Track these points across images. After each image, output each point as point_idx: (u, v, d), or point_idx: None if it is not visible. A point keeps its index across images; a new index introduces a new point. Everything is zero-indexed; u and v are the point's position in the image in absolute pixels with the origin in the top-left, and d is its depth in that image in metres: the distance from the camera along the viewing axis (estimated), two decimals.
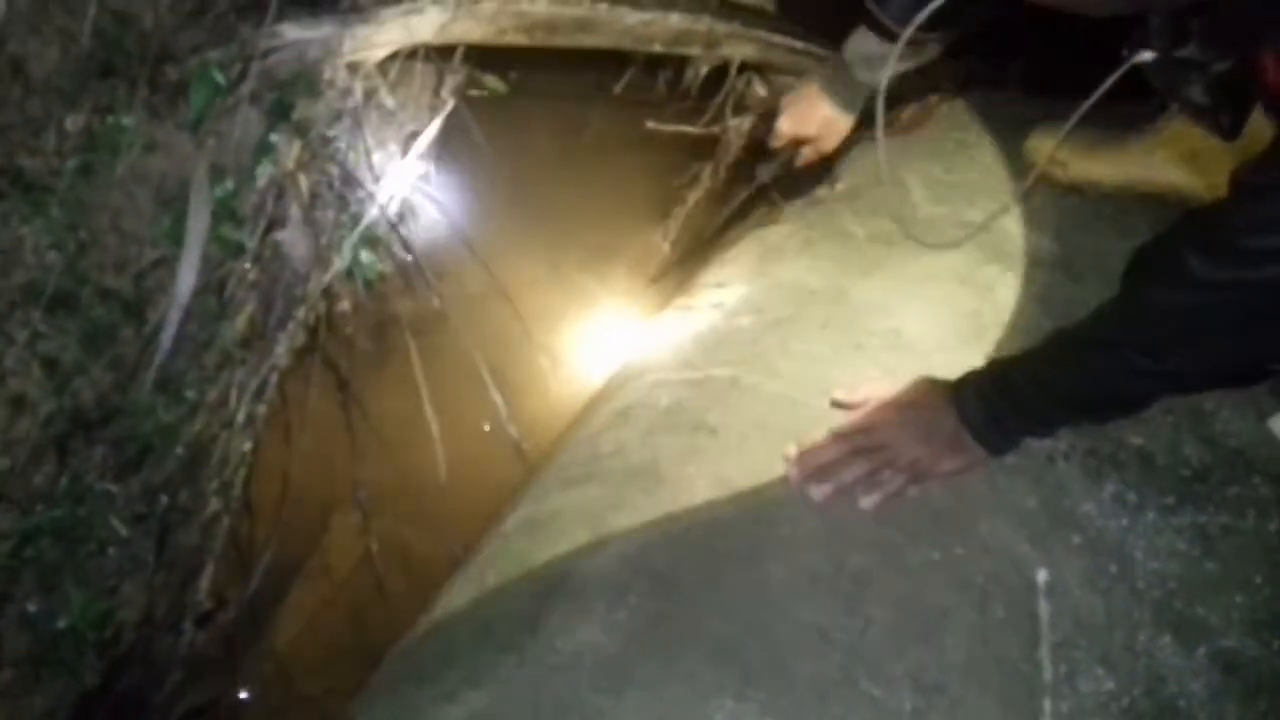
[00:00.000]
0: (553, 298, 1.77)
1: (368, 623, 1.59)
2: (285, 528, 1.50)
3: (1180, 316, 0.99)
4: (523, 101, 1.86)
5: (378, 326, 1.62)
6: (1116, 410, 1.14)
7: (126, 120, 1.11)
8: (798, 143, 1.61)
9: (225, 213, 1.22)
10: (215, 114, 1.21)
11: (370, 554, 1.54)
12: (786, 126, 1.59)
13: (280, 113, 1.27)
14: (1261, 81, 0.99)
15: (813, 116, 1.55)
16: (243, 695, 1.48)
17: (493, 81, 1.73)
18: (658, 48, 1.66)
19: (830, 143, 1.59)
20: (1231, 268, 0.94)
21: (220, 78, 1.16)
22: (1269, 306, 0.94)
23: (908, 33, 1.13)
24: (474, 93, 1.72)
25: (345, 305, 1.56)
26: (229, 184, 1.22)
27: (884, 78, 1.33)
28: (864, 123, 1.42)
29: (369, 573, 1.57)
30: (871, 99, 1.45)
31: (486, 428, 1.56)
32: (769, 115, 1.65)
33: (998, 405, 1.10)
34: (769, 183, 1.73)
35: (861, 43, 1.48)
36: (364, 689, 1.28)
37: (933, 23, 1.09)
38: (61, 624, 1.14)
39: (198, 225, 1.16)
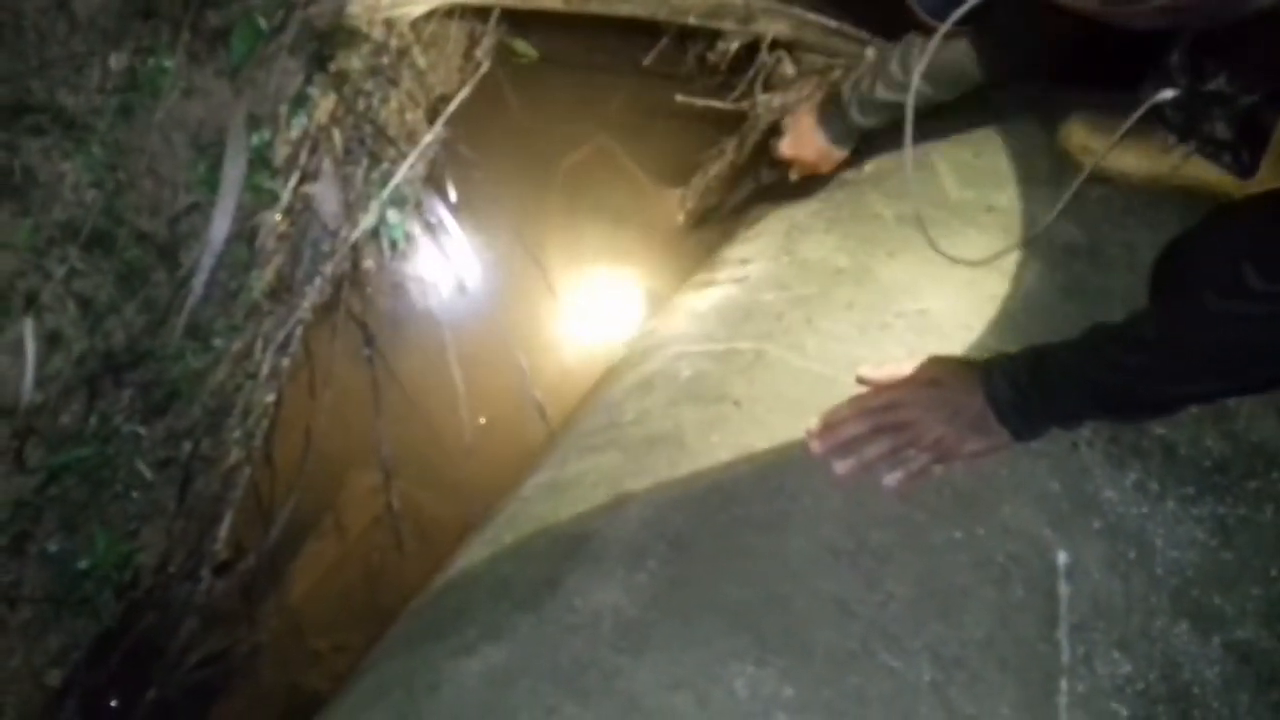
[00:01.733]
0: (577, 264, 1.77)
1: (379, 583, 1.60)
2: (305, 483, 1.51)
3: (1232, 326, 0.98)
4: (552, 70, 1.85)
5: (403, 286, 1.62)
6: (1148, 412, 1.15)
7: (168, 62, 1.11)
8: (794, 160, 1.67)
9: (260, 161, 1.22)
10: (254, 62, 1.20)
11: (385, 513, 1.54)
12: (786, 149, 1.66)
13: (318, 64, 1.27)
14: None
15: (810, 145, 1.62)
16: (254, 646, 1.49)
17: (523, 46, 1.72)
18: (692, 20, 1.65)
19: (826, 168, 1.65)
20: None
21: (263, 25, 1.15)
22: None
23: (946, 26, 1.12)
24: (505, 58, 1.72)
25: (370, 264, 1.56)
26: (265, 133, 1.22)
27: (917, 73, 1.35)
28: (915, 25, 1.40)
29: (383, 532, 1.57)
30: (868, 133, 1.57)
31: (511, 391, 1.56)
32: (775, 128, 1.71)
33: (1028, 391, 1.10)
34: (770, 186, 1.79)
35: (858, 84, 1.53)
36: (379, 641, 1.29)
37: (966, 18, 1.07)
38: (83, 564, 1.15)
39: (234, 172, 1.16)
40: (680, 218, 1.90)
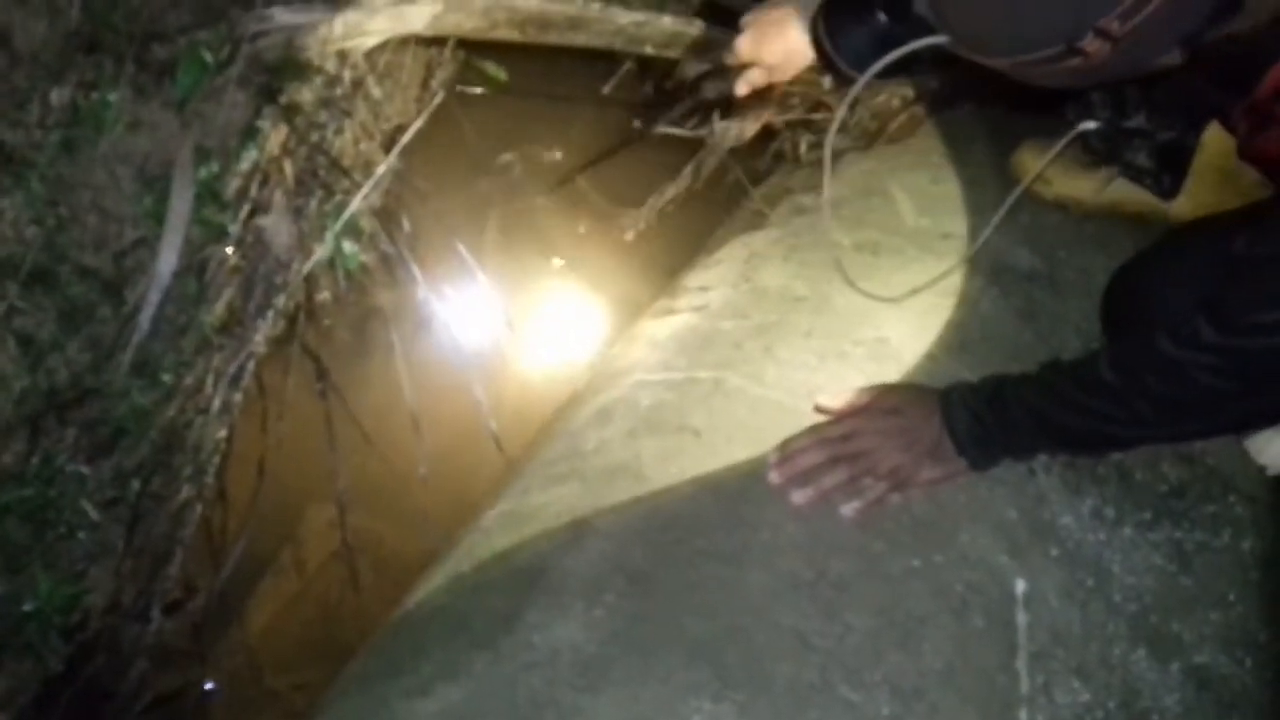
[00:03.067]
0: (536, 293, 1.76)
1: (339, 618, 1.57)
2: (259, 518, 1.48)
3: (1190, 374, 0.97)
4: (510, 99, 1.85)
5: (358, 318, 1.61)
6: (1107, 450, 1.16)
7: (111, 96, 1.09)
8: (752, 64, 1.46)
9: (209, 195, 1.20)
10: (202, 95, 1.19)
11: (344, 548, 1.52)
12: (746, 46, 1.42)
13: (268, 96, 1.25)
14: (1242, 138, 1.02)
15: (777, 41, 1.38)
16: (209, 686, 1.46)
17: (493, 69, 1.71)
18: (649, 49, 1.66)
19: (787, 73, 1.43)
20: (1236, 336, 0.94)
21: (209, 58, 1.14)
22: (1269, 373, 0.94)
23: (865, 78, 1.07)
24: (468, 89, 1.71)
25: (326, 295, 1.54)
26: (214, 166, 1.20)
27: (831, 132, 1.30)
28: (833, 74, 1.29)
29: (342, 567, 1.55)
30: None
31: (467, 423, 1.55)
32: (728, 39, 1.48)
33: (987, 422, 1.11)
34: (712, 99, 1.60)
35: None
36: (335, 680, 1.27)
37: (889, 70, 1.05)
38: (28, 607, 1.12)
39: (181, 206, 1.14)
40: (629, 237, 1.88)
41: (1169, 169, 1.17)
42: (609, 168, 1.88)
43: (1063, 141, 1.18)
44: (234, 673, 1.50)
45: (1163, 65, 0.90)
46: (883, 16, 1.06)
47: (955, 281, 1.41)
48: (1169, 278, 1.09)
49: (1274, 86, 0.93)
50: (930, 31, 0.96)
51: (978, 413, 1.11)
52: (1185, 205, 1.27)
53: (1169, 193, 1.20)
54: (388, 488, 1.58)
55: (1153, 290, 1.19)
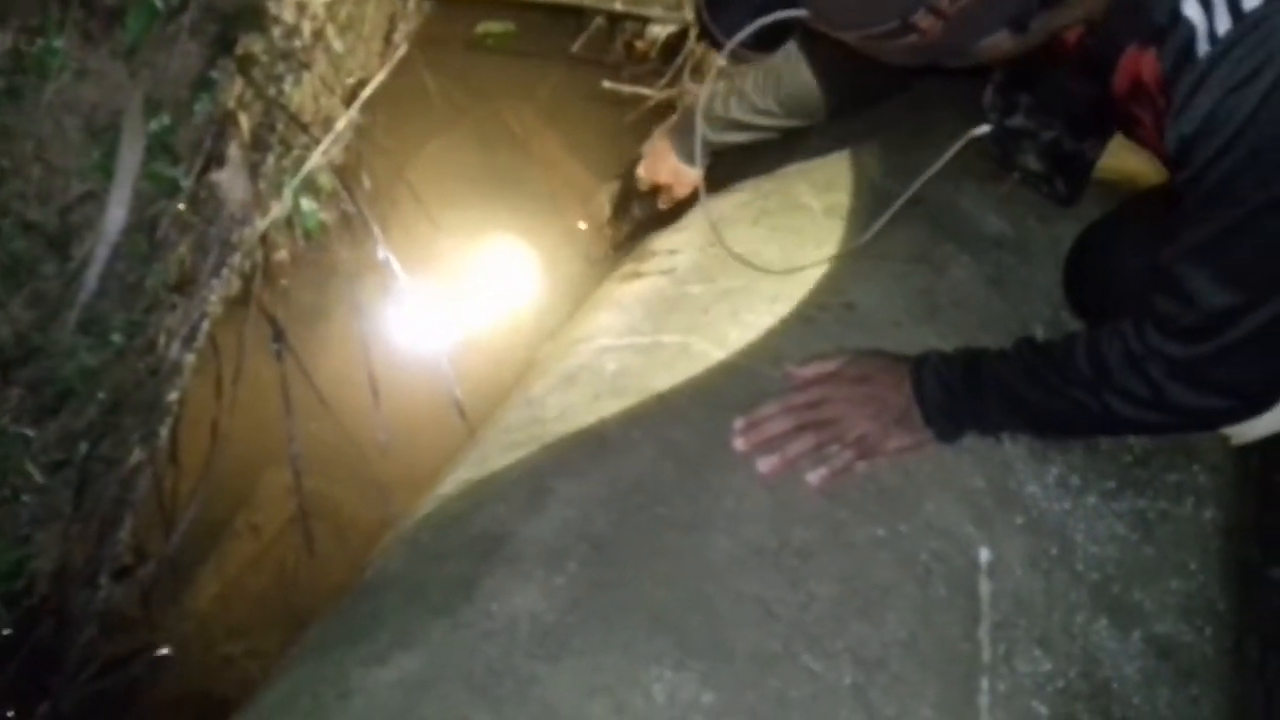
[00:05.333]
0: (500, 255, 1.73)
1: (294, 584, 1.54)
2: (214, 482, 1.45)
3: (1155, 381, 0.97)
4: (477, 55, 1.81)
5: (318, 278, 1.57)
6: (1075, 436, 1.15)
7: (57, 43, 1.05)
8: (657, 188, 1.65)
9: (160, 148, 1.16)
10: (153, 44, 1.14)
11: (299, 514, 1.49)
12: (643, 172, 1.64)
13: (222, 46, 1.21)
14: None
15: (663, 166, 1.60)
16: (161, 652, 1.43)
17: (498, 26, 1.68)
18: (619, 6, 1.62)
19: (681, 190, 1.62)
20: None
21: (159, 3, 1.09)
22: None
23: (733, 42, 1.09)
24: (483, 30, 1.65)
25: (284, 254, 1.50)
26: (165, 118, 1.16)
27: (701, 101, 1.41)
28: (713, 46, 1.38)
29: (298, 532, 1.52)
30: (716, 152, 1.55)
31: (428, 387, 1.52)
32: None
33: (958, 394, 1.10)
34: (642, 221, 1.74)
35: (711, 103, 1.51)
36: (290, 647, 1.24)
37: (757, 42, 1.08)
38: None
39: (130, 159, 1.10)
40: (606, 208, 1.85)
41: (1061, 172, 1.19)
42: (578, 128, 1.84)
43: (955, 146, 1.21)
44: (187, 638, 1.47)
45: (998, 49, 0.92)
46: None
47: (924, 247, 1.39)
48: (1126, 257, 1.08)
49: (1125, 86, 0.95)
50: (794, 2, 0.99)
51: (950, 385, 1.10)
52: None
53: (1066, 199, 1.22)
54: (346, 453, 1.55)
55: (1112, 270, 1.19)
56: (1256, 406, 0.97)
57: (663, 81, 1.80)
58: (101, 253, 1.10)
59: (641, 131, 1.83)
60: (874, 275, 1.35)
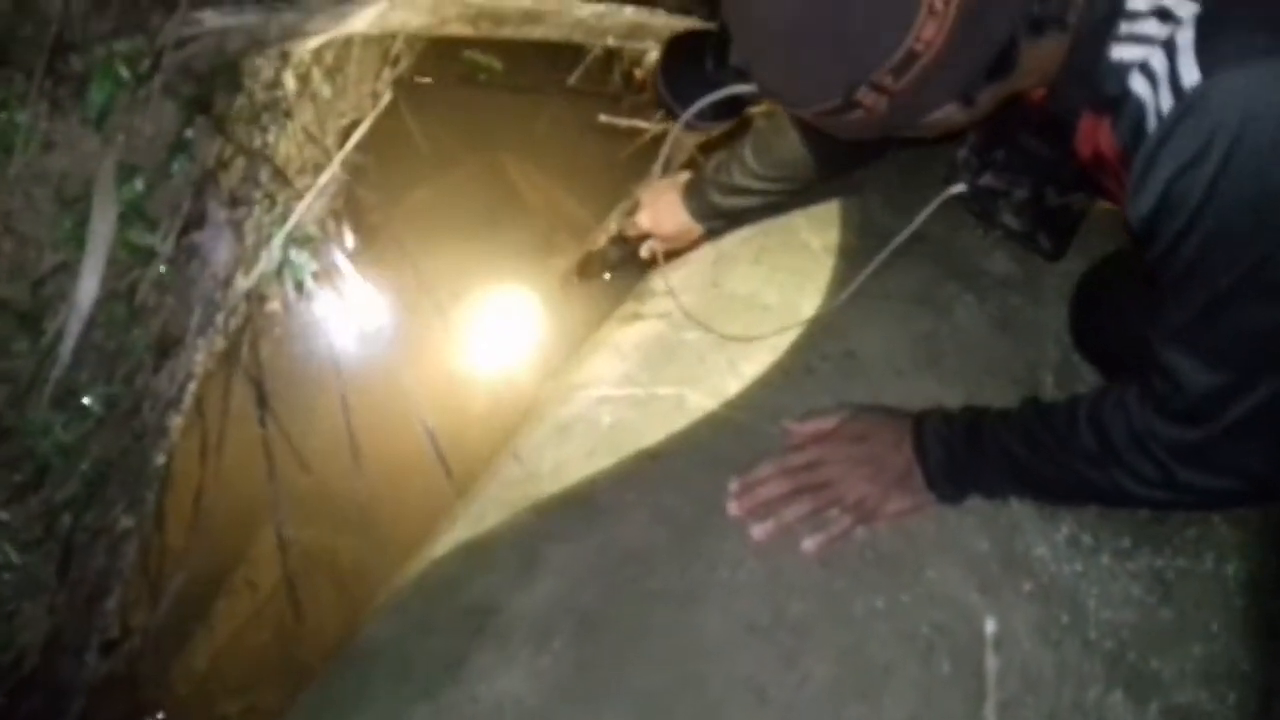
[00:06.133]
0: (491, 300, 1.69)
1: (295, 638, 1.52)
2: (207, 541, 1.43)
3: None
4: (470, 91, 1.77)
5: (309, 325, 1.54)
6: (1082, 504, 1.10)
7: (20, 117, 1.02)
8: (650, 235, 1.60)
9: (134, 214, 1.13)
10: (125, 108, 1.12)
11: (297, 568, 1.47)
12: (645, 222, 1.59)
13: (198, 107, 1.18)
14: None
15: (670, 219, 1.55)
16: (159, 716, 1.41)
17: (485, 60, 1.65)
18: (611, 41, 1.58)
19: (682, 244, 1.58)
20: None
21: (125, 71, 1.07)
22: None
23: (687, 115, 1.10)
24: (475, 61, 1.62)
25: (275, 306, 1.48)
26: (139, 184, 1.13)
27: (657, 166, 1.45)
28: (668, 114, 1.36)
29: (298, 587, 1.49)
30: (728, 216, 1.52)
31: (417, 436, 1.49)
32: (633, 206, 1.63)
33: (960, 458, 1.05)
34: (617, 264, 1.71)
35: (719, 166, 1.49)
36: (286, 714, 1.22)
37: (714, 112, 1.09)
38: None
39: (102, 228, 1.07)
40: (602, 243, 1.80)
41: (1045, 227, 1.15)
42: (575, 164, 1.80)
43: (931, 206, 1.18)
44: (185, 699, 1.45)
45: (950, 120, 0.91)
46: (710, 64, 1.07)
47: (927, 286, 1.34)
48: (1132, 298, 1.04)
49: (1088, 153, 0.94)
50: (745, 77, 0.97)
51: (952, 447, 1.05)
52: None
53: (1052, 255, 1.18)
54: (342, 502, 1.53)
55: (1118, 310, 1.17)
56: (1273, 491, 0.92)
57: (660, 113, 1.76)
58: (74, 327, 1.07)
59: (639, 165, 1.80)
60: (875, 319, 1.30)
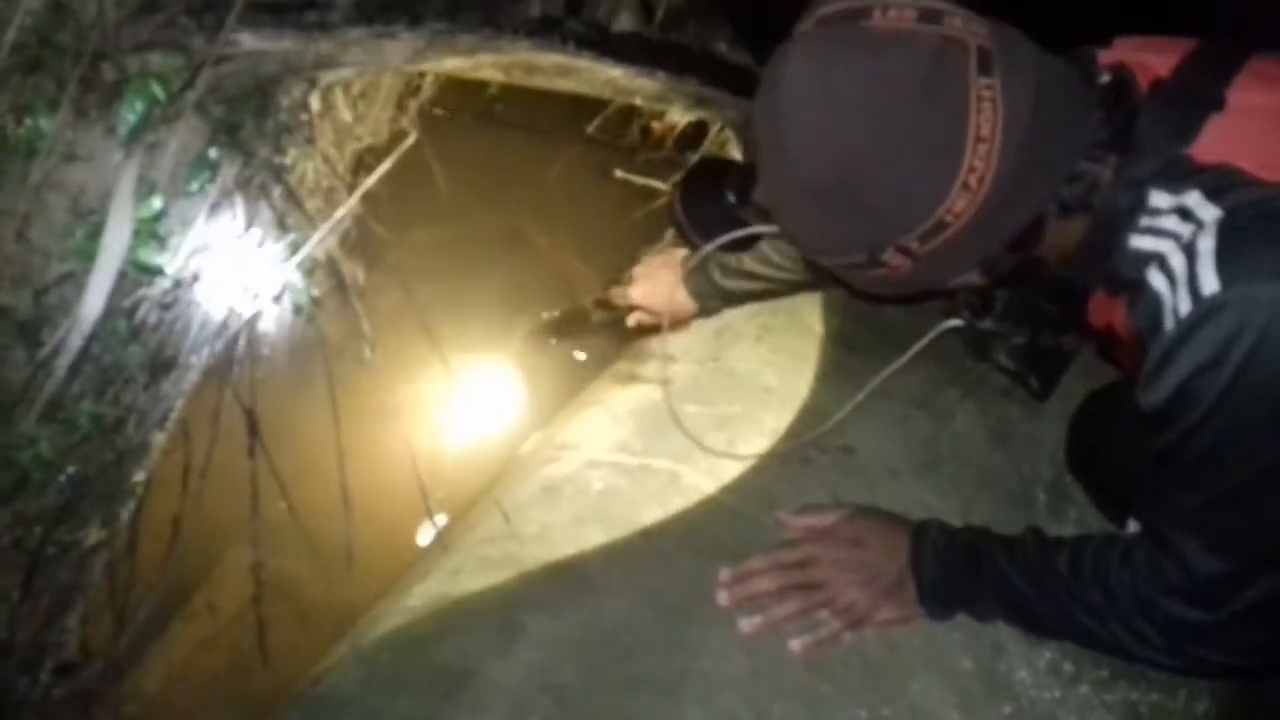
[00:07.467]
0: (487, 345, 1.67)
1: (249, 669, 1.48)
2: (174, 560, 1.39)
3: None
4: (490, 129, 1.76)
5: (301, 351, 1.52)
6: (1073, 643, 1.10)
7: (45, 124, 1.00)
8: (639, 308, 1.57)
9: (147, 232, 1.10)
10: (151, 123, 1.10)
11: (259, 594, 1.43)
12: (636, 296, 1.54)
13: (225, 127, 1.16)
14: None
15: (664, 294, 1.49)
16: None
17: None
18: (639, 101, 1.58)
19: (670, 321, 1.50)
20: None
21: (160, 91, 1.05)
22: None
23: (708, 249, 1.15)
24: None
25: (271, 327, 1.45)
26: (156, 202, 1.11)
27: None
28: (685, 242, 1.34)
29: (256, 614, 1.46)
30: (724, 299, 1.51)
31: (399, 473, 1.46)
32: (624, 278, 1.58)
33: (958, 580, 1.06)
34: (599, 329, 1.67)
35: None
36: None
37: (731, 243, 1.12)
38: None
39: (115, 247, 1.05)
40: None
41: (1034, 370, 1.19)
42: (586, 216, 1.80)
43: (928, 337, 1.21)
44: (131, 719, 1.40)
45: (968, 283, 0.95)
46: (731, 197, 1.11)
47: (928, 391, 1.35)
48: (1129, 437, 1.05)
49: (1101, 324, 0.97)
50: (768, 217, 0.98)
51: (951, 569, 1.06)
52: None
53: (1040, 395, 1.22)
54: (314, 534, 1.49)
55: (1114, 447, 1.18)
56: (1276, 666, 0.94)
57: (676, 176, 1.76)
58: (74, 342, 1.05)
59: (650, 226, 1.80)
60: (875, 417, 1.31)
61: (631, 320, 1.57)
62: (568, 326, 1.70)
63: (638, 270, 1.54)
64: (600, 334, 1.67)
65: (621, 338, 1.65)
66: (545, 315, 1.73)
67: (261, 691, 1.44)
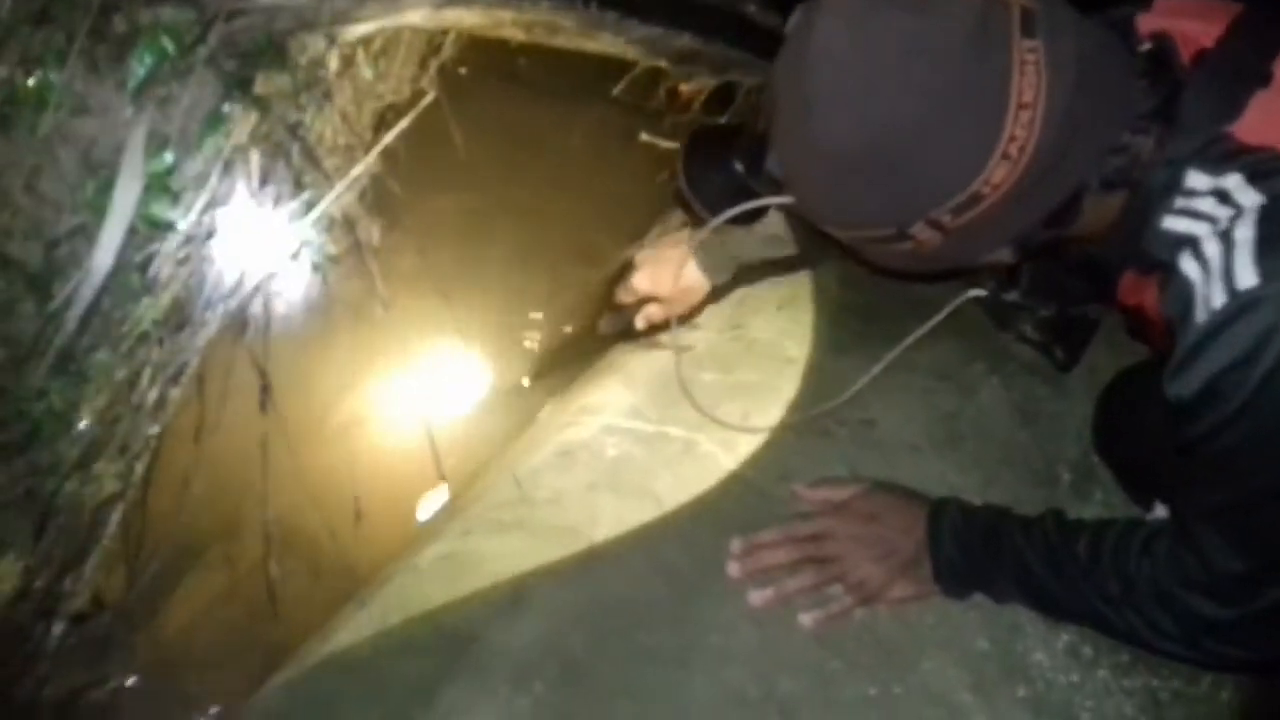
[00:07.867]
0: (504, 309, 1.65)
1: (266, 621, 1.49)
2: (190, 511, 1.40)
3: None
4: (511, 88, 1.73)
5: (317, 308, 1.51)
6: (1088, 627, 1.07)
7: (55, 77, 0.98)
8: (649, 300, 1.44)
9: (159, 187, 1.09)
10: (163, 77, 1.08)
11: (269, 550, 1.44)
12: (643, 284, 1.41)
13: (239, 83, 1.14)
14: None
15: (672, 279, 1.38)
16: (118, 684, 1.38)
17: None
18: (664, 63, 1.54)
19: (682, 308, 1.41)
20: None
21: (170, 45, 1.03)
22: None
23: (715, 222, 1.10)
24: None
25: (288, 284, 1.45)
26: (168, 156, 1.09)
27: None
28: (689, 215, 1.27)
29: (276, 567, 1.46)
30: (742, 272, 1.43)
31: (413, 433, 1.46)
32: (626, 268, 1.47)
33: (975, 560, 1.04)
34: (609, 336, 1.57)
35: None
36: (246, 710, 1.19)
37: (742, 216, 1.08)
38: None
39: (126, 199, 1.04)
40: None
41: (1060, 341, 1.16)
42: (609, 180, 1.76)
43: (949, 307, 1.17)
44: (146, 670, 1.41)
45: (998, 260, 0.90)
46: (739, 166, 1.05)
47: (953, 364, 1.32)
48: (1157, 416, 1.02)
49: (1131, 303, 0.94)
50: (781, 187, 0.94)
51: (968, 548, 1.03)
52: None
53: (1064, 365, 1.19)
54: (332, 490, 1.50)
55: (1141, 427, 1.14)
56: None
57: (679, 211, 1.71)
58: (85, 295, 1.04)
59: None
60: (897, 390, 1.28)
61: (640, 321, 1.46)
62: (574, 350, 1.64)
63: (641, 256, 1.43)
64: (610, 344, 1.58)
65: (633, 341, 1.55)
66: (547, 347, 1.67)
67: (276, 643, 1.45)
